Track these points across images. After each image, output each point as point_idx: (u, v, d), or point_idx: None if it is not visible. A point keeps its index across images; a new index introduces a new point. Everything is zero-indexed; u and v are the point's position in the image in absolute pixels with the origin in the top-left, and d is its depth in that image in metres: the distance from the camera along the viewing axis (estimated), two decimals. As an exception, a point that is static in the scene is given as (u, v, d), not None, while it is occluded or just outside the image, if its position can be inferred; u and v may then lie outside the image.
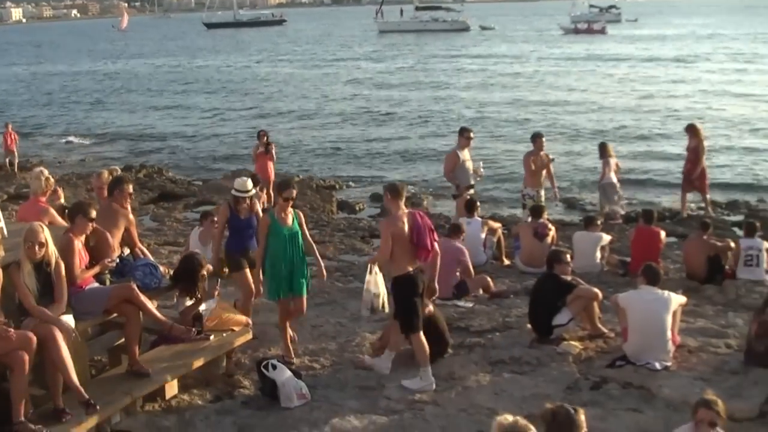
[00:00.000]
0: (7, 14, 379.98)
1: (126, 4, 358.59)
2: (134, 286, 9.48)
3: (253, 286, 11.54)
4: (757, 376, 10.30)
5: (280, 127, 40.28)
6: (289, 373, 9.86)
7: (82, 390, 8.45)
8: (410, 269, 10.15)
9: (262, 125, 35.16)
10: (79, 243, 9.43)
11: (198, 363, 9.98)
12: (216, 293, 11.92)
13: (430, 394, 9.90)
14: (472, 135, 17.69)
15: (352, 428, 9.02)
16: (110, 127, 44.04)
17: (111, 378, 9.55)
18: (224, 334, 10.53)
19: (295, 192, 10.94)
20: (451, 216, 19.80)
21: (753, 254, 14.64)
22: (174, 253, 16.96)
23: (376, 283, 10.60)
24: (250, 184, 11.80)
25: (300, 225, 11.03)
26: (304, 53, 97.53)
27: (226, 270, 12.67)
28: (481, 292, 14.05)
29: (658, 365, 10.55)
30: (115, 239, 10.38)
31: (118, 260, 10.20)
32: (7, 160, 30.80)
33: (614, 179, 20.21)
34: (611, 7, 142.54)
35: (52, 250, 8.75)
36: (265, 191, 20.81)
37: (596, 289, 12.03)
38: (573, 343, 11.54)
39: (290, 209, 10.95)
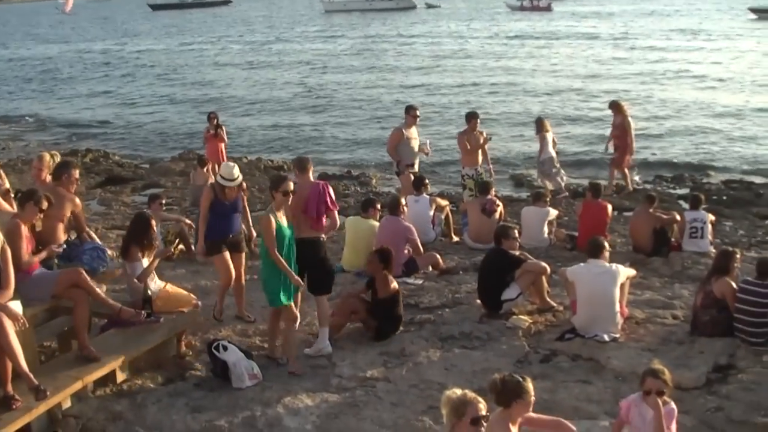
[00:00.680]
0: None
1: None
2: (82, 271, 9.43)
3: (233, 271, 11.49)
4: (702, 346, 10.48)
5: (228, 109, 39.97)
6: (240, 353, 9.86)
7: (32, 376, 8.39)
8: (300, 236, 10.52)
9: (209, 108, 34.87)
10: (25, 228, 9.35)
11: (148, 346, 9.94)
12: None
13: (381, 370, 9.95)
14: (418, 113, 17.72)
15: (305, 407, 9.04)
16: (54, 112, 43.39)
17: (61, 363, 9.47)
18: (174, 316, 10.49)
19: (292, 185, 10.19)
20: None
21: (698, 226, 14.83)
22: (122, 237, 16.81)
23: None
24: (237, 171, 11.38)
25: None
26: (250, 34, 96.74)
27: (181, 248, 12.73)
28: (430, 269, 14.10)
29: (606, 337, 10.68)
30: (61, 224, 10.28)
31: (65, 245, 10.12)
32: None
33: (553, 153, 20.39)
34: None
35: (-2, 236, 8.66)
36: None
37: (544, 264, 12.15)
38: (522, 317, 11.65)
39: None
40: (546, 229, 15.78)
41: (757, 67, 46.44)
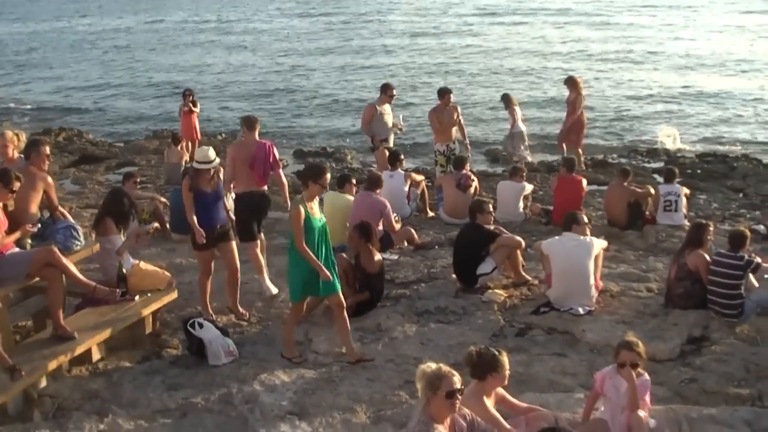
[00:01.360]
0: None
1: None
2: (56, 250, 9.37)
3: (237, 262, 11.12)
4: (676, 318, 10.56)
5: (203, 84, 39.67)
6: (216, 331, 9.85)
7: (6, 356, 8.36)
8: (249, 189, 11.88)
9: (184, 82, 34.72)
10: (-3, 209, 9.30)
11: (124, 324, 9.91)
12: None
13: (357, 346, 9.93)
14: (394, 93, 17.71)
15: (281, 383, 9.04)
16: (26, 93, 42.84)
17: (36, 343, 9.41)
18: (149, 294, 10.46)
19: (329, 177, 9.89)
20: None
21: (672, 199, 14.92)
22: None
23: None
24: (212, 153, 10.87)
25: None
26: (225, 11, 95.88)
27: (150, 230, 12.66)
28: (405, 244, 14.12)
29: (581, 310, 10.74)
30: (33, 202, 10.19)
31: (38, 225, 10.06)
32: None
33: (522, 128, 20.46)
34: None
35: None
36: (190, 150, 20.77)
37: (519, 238, 12.19)
38: (497, 291, 11.69)
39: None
40: (521, 203, 15.85)
41: (735, 44, 46.33)
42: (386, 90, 17.57)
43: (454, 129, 18.01)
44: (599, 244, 11.29)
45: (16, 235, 9.46)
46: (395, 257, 13.49)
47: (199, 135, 22.18)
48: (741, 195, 18.77)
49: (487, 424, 6.89)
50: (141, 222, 14.12)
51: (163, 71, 47.04)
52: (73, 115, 35.26)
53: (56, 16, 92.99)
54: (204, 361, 9.65)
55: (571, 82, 20.49)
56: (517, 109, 20.47)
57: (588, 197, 16.66)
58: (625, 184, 15.21)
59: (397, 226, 14.08)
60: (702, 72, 37.78)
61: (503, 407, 7.46)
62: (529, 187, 16.11)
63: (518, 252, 12.06)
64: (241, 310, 11.33)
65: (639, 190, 15.36)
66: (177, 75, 45.14)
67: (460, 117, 18.09)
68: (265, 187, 12.19)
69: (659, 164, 21.70)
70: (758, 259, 10.47)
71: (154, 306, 10.44)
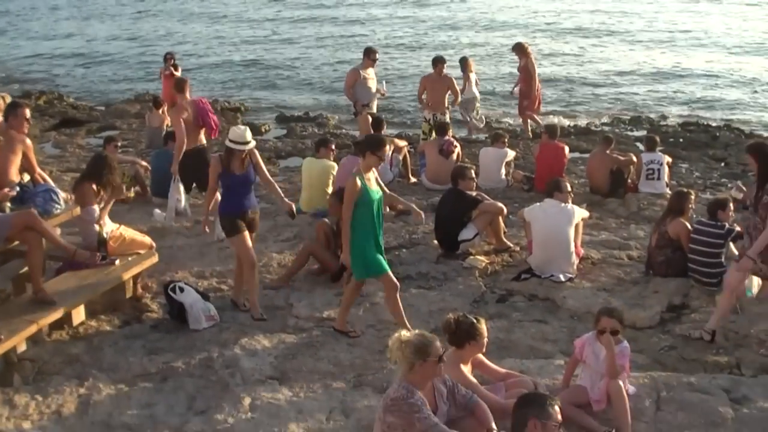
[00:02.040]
0: None
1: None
2: (35, 213, 9.30)
3: (253, 253, 10.09)
4: (657, 286, 10.63)
5: (185, 49, 39.37)
6: (196, 295, 9.83)
7: (-15, 319, 8.32)
8: (197, 145, 13.20)
9: (165, 47, 34.43)
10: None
11: (104, 288, 9.86)
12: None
13: (338, 311, 9.94)
14: (377, 56, 17.69)
15: (262, 348, 9.04)
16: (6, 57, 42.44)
17: (15, 307, 9.33)
18: (130, 258, 10.41)
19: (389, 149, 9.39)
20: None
21: (654, 168, 14.96)
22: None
23: (178, 189, 13.57)
24: (249, 134, 9.93)
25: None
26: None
27: (131, 194, 12.56)
28: (387, 209, 14.08)
29: (562, 277, 10.80)
30: (13, 166, 10.10)
31: (18, 188, 9.99)
32: None
33: (476, 93, 20.38)
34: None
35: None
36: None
37: (501, 204, 12.20)
38: (479, 257, 11.73)
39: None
40: (503, 170, 15.85)
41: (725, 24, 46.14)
42: (369, 54, 17.54)
43: (447, 95, 18.09)
44: (580, 213, 11.33)
45: (-6, 199, 9.40)
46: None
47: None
48: (723, 164, 18.79)
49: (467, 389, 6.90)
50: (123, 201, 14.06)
51: (146, 40, 46.61)
52: (54, 78, 34.91)
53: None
54: (185, 325, 9.63)
55: (519, 49, 20.42)
56: (473, 75, 20.33)
57: (570, 165, 16.69)
58: (608, 151, 15.23)
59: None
60: (689, 50, 37.66)
61: (482, 373, 7.49)
62: (511, 154, 16.11)
63: (500, 218, 12.08)
64: (242, 299, 10.41)
65: (621, 158, 15.40)
66: (160, 38, 44.78)
67: (456, 87, 18.21)
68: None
69: (642, 132, 21.66)
70: (739, 228, 10.51)
71: (135, 270, 10.38)
